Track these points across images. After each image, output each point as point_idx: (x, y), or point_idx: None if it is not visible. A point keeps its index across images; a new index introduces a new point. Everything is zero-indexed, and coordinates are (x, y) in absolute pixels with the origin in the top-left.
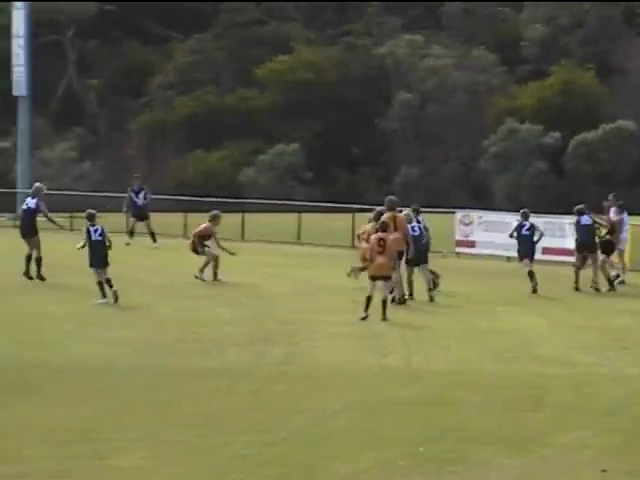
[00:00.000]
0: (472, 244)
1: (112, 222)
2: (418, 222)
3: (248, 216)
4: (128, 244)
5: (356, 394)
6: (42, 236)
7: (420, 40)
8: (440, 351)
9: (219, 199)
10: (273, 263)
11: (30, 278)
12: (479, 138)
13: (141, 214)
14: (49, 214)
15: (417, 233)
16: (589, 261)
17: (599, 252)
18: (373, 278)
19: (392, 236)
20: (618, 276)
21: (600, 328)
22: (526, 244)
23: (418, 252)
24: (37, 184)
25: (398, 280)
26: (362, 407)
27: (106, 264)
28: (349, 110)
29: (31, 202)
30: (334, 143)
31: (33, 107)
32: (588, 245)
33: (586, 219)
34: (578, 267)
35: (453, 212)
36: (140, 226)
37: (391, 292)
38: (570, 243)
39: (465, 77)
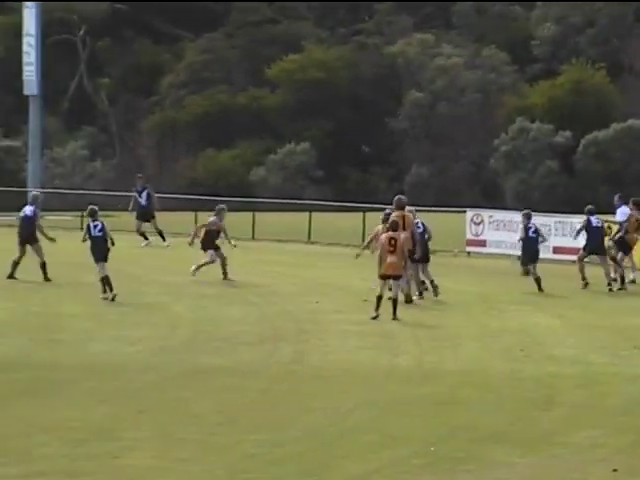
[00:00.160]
0: (483, 243)
1: (124, 222)
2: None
3: (259, 215)
4: (147, 244)
5: (367, 393)
6: (51, 234)
7: (431, 39)
8: (451, 350)
9: (230, 198)
10: (283, 262)
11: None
12: (490, 137)
13: (145, 214)
14: (41, 226)
15: (421, 230)
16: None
17: (614, 251)
18: (384, 277)
19: (403, 235)
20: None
21: (612, 327)
22: (532, 247)
23: (423, 250)
24: (34, 192)
25: (410, 279)
26: (373, 406)
27: (105, 259)
28: (360, 109)
29: (29, 210)
30: (345, 142)
31: (44, 106)
32: (597, 247)
33: (596, 221)
34: (580, 259)
35: (464, 211)
36: (148, 226)
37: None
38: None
39: (476, 76)
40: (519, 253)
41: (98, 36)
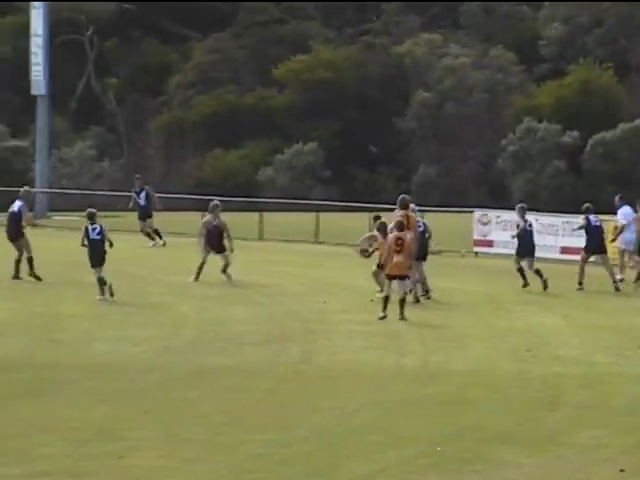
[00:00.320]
0: (490, 243)
1: (129, 222)
2: None
3: (266, 215)
4: (164, 244)
5: (374, 393)
6: (57, 234)
7: (438, 39)
8: (458, 350)
9: (237, 198)
10: (291, 262)
11: (39, 278)
12: (497, 137)
13: (144, 214)
14: (29, 220)
15: (422, 229)
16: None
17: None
18: (390, 277)
19: (409, 235)
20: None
21: (616, 328)
22: (529, 241)
23: (421, 248)
24: (25, 187)
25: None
26: (380, 406)
27: (102, 262)
28: (367, 109)
29: (16, 206)
30: (352, 142)
31: (52, 106)
32: (597, 247)
33: (595, 220)
34: (583, 260)
35: (471, 211)
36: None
37: (411, 291)
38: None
39: (483, 76)
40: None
41: (106, 36)
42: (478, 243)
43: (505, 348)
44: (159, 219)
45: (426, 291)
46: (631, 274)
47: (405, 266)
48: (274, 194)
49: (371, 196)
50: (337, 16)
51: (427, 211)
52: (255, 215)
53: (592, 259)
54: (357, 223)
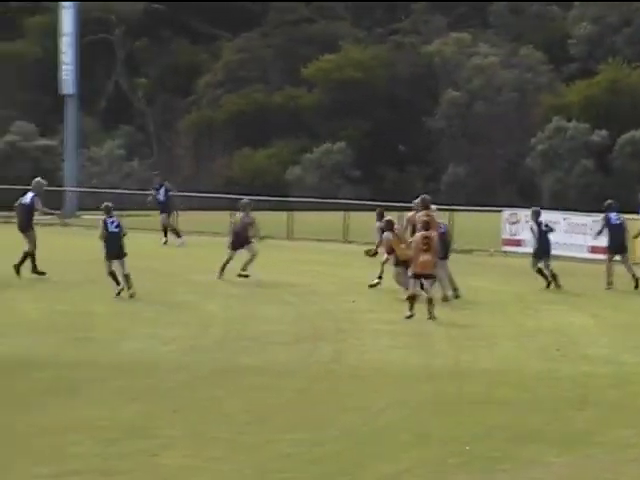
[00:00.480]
0: (519, 243)
1: (155, 221)
2: None
3: (295, 214)
4: (166, 243)
5: (402, 393)
6: (86, 233)
7: (467, 38)
8: (487, 350)
9: (266, 197)
10: (320, 261)
11: (42, 273)
12: (526, 136)
13: (164, 209)
14: (43, 208)
15: (443, 230)
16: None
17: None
18: (417, 276)
19: (434, 233)
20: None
21: None
22: (546, 241)
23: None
24: (37, 179)
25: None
26: (408, 406)
27: (122, 255)
28: (397, 109)
29: (28, 197)
30: (382, 142)
31: (81, 106)
32: (618, 246)
33: (615, 218)
34: (609, 260)
35: (500, 211)
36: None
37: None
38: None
39: (512, 75)
40: (556, 253)
41: (135, 36)
42: (507, 242)
43: (534, 347)
44: (185, 218)
45: (454, 289)
46: None
47: (432, 264)
48: (302, 193)
49: (400, 195)
50: (366, 16)
51: (456, 210)
52: (283, 214)
53: (617, 257)
54: None
